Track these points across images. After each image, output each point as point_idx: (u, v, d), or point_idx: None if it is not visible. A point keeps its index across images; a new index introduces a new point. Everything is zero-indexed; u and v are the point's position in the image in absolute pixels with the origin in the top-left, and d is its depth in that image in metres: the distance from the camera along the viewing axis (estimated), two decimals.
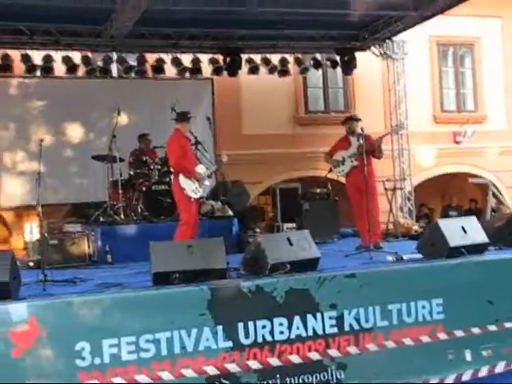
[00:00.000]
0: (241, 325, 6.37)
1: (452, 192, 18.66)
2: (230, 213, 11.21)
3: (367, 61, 15.56)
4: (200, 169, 9.11)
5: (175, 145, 9.05)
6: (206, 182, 9.25)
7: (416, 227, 11.90)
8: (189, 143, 9.42)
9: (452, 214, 16.73)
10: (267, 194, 14.95)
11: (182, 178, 8.84)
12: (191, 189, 8.83)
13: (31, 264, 9.16)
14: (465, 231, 7.84)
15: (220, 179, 11.95)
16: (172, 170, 9.37)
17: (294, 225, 11.89)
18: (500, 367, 7.30)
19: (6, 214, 14.65)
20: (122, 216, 10.60)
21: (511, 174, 18.28)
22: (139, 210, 10.62)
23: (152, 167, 10.83)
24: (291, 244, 7.03)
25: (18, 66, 12.98)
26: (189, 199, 8.86)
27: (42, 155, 13.04)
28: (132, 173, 11.03)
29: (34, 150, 12.33)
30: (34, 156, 12.28)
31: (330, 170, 10.23)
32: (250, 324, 6.40)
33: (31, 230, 10.78)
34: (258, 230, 11.33)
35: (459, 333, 7.23)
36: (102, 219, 10.67)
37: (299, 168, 16.10)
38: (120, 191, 10.73)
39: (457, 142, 18.18)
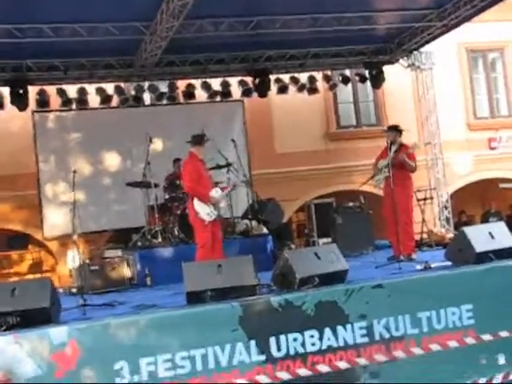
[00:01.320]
0: (273, 339, 6.57)
1: (491, 198, 18.57)
2: (265, 230, 11.44)
3: (396, 73, 15.73)
4: (215, 192, 9.22)
5: (189, 169, 9.24)
6: (221, 205, 9.43)
7: (450, 235, 11.94)
8: (204, 166, 9.52)
9: (492, 219, 16.63)
10: (303, 211, 15.12)
11: (196, 201, 9.04)
12: (205, 212, 9.00)
13: (74, 290, 9.46)
14: (492, 236, 7.93)
15: (254, 198, 12.17)
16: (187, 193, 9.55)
17: (329, 239, 12.05)
18: None
19: (51, 244, 15.14)
20: (160, 239, 10.88)
21: None
22: (176, 233, 10.91)
23: None
24: (319, 258, 7.21)
25: (55, 100, 13.47)
26: (203, 222, 9.04)
27: (82, 185, 13.66)
28: (167, 197, 11.33)
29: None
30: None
31: (372, 177, 10.26)
32: (282, 337, 6.60)
33: (73, 258, 11.11)
34: (292, 247, 11.51)
35: (491, 337, 7.30)
36: (140, 243, 10.98)
37: (333, 183, 16.27)
38: (156, 215, 11.03)
39: (492, 148, 18.16)
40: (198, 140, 9.42)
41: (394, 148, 9.83)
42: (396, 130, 10.21)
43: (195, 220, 9.18)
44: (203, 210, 9.04)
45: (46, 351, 5.86)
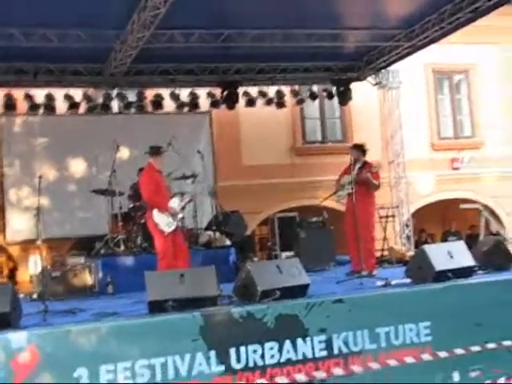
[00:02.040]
0: (233, 349, 6.60)
1: (452, 218, 18.85)
2: (228, 242, 11.49)
3: (364, 90, 15.94)
4: (173, 202, 9.30)
5: (147, 179, 9.32)
6: (180, 215, 9.42)
7: (410, 253, 12.12)
8: (161, 177, 9.57)
9: (451, 239, 16.84)
10: (267, 224, 15.19)
11: (155, 212, 9.09)
12: (165, 223, 9.06)
13: (35, 296, 9.40)
14: (451, 256, 8.07)
15: (218, 210, 12.21)
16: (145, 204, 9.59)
17: (291, 253, 12.13)
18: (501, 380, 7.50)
19: (13, 249, 14.98)
20: (123, 248, 10.88)
21: (510, 199, 18.50)
22: (139, 242, 10.91)
23: None
24: (281, 271, 7.28)
25: (21, 105, 13.40)
26: (163, 233, 9.08)
27: (47, 190, 13.57)
28: (131, 205, 11.33)
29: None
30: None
31: (334, 193, 10.38)
32: (242, 348, 6.64)
33: (35, 264, 11.05)
34: (255, 259, 11.58)
35: (447, 354, 7.42)
36: (103, 251, 10.96)
37: (298, 197, 16.37)
38: (120, 223, 11.04)
39: (455, 169, 18.45)
40: (155, 151, 9.50)
41: (357, 165, 9.97)
42: (360, 149, 10.37)
43: (155, 231, 9.23)
44: (162, 221, 9.09)
45: (4, 356, 5.83)
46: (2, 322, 6.14)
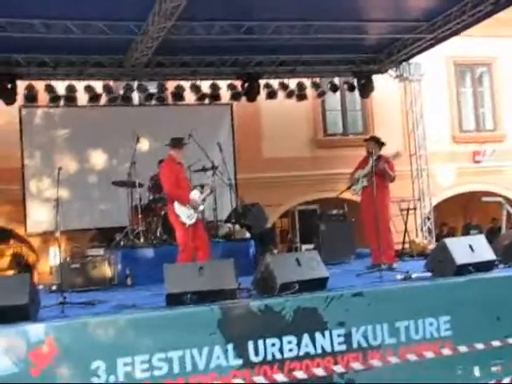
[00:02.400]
0: (251, 343, 6.58)
1: (473, 211, 18.72)
2: (248, 235, 11.47)
3: (385, 83, 15.82)
4: (194, 195, 9.25)
5: (168, 172, 9.26)
6: (201, 207, 9.37)
7: (431, 246, 12.02)
8: (182, 169, 9.54)
9: (473, 232, 16.73)
10: (287, 217, 15.16)
11: (176, 205, 9.05)
12: (186, 215, 9.01)
13: (54, 288, 9.44)
14: (472, 249, 7.99)
15: (238, 202, 12.19)
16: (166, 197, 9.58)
17: (311, 246, 12.09)
18: (506, 380, 7.41)
19: (34, 240, 15.10)
20: (142, 240, 10.90)
21: None
22: (158, 234, 10.92)
23: None
24: (300, 264, 7.24)
25: (43, 96, 13.44)
26: (184, 225, 9.05)
27: (67, 182, 13.63)
28: (151, 197, 11.35)
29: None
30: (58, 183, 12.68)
31: (349, 188, 10.42)
32: (260, 342, 6.61)
33: (55, 255, 11.10)
34: (275, 252, 11.55)
35: (467, 349, 7.35)
36: (122, 243, 10.98)
37: (319, 190, 16.31)
38: (140, 215, 11.04)
39: (476, 162, 18.31)
40: (176, 143, 9.44)
41: (372, 158, 9.94)
42: (376, 141, 10.38)
43: (176, 223, 9.19)
44: (183, 213, 9.06)
45: (22, 348, 5.84)
46: (20, 314, 6.14)
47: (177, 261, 8.90)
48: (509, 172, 18.38)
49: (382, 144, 10.30)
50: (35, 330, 5.96)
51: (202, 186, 9.94)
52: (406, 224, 12.27)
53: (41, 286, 10.11)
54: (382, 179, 9.79)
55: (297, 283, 7.01)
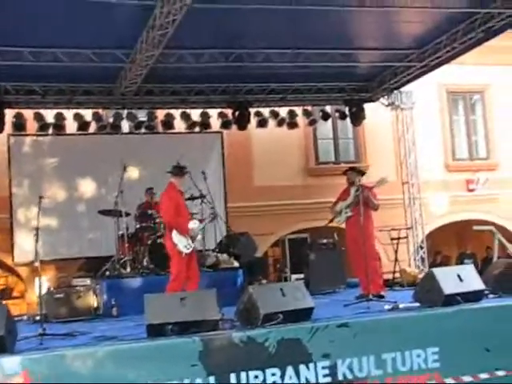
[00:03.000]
0: (233, 375, 6.45)
1: (467, 239, 18.60)
2: (236, 264, 11.34)
3: (377, 111, 15.77)
4: (193, 224, 9.20)
5: (168, 200, 9.20)
6: (199, 237, 9.34)
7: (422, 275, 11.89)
8: (182, 197, 9.49)
9: (467, 261, 16.60)
10: (278, 246, 15.04)
11: (174, 233, 8.96)
12: (183, 244, 8.94)
13: (37, 318, 9.27)
14: (461, 279, 7.89)
15: (227, 231, 12.08)
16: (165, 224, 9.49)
17: (301, 275, 11.96)
18: None
19: (22, 270, 14.91)
20: (129, 269, 10.77)
21: None
22: (145, 263, 10.79)
23: (157, 220, 11.03)
24: (284, 295, 7.13)
25: (31, 125, 13.38)
26: (180, 254, 8.95)
27: (56, 211, 13.53)
28: (138, 226, 11.23)
29: (47, 206, 12.54)
30: (47, 212, 12.51)
31: (331, 220, 10.41)
32: (243, 374, 6.48)
33: (40, 285, 10.94)
34: (264, 282, 11.41)
35: (456, 381, 7.21)
36: (108, 273, 10.85)
37: (310, 218, 16.14)
38: (126, 244, 10.93)
39: (470, 190, 18.21)
40: (178, 171, 9.39)
41: (353, 189, 9.89)
42: (357, 171, 10.51)
43: (172, 251, 9.10)
44: (181, 242, 8.99)
45: None
46: None
47: (166, 289, 8.79)
48: (503, 200, 18.28)
49: (363, 173, 10.38)
50: (10, 362, 5.87)
51: (201, 220, 9.84)
52: (396, 253, 12.17)
53: (25, 317, 10.00)
54: (366, 208, 9.74)
55: (281, 314, 6.90)
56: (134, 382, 6.10)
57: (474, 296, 7.89)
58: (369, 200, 9.83)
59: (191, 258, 9.19)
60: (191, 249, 9.04)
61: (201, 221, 9.60)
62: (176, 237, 8.97)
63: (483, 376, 7.29)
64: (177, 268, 9.02)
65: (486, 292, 8.29)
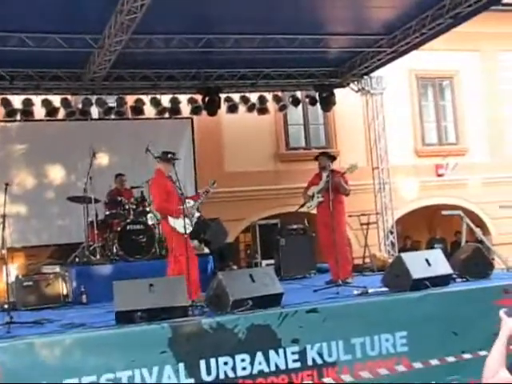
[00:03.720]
0: (203, 362, 6.46)
1: (437, 224, 18.77)
2: (206, 250, 11.33)
3: (347, 96, 15.81)
4: (188, 203, 9.16)
5: (156, 187, 9.20)
6: (196, 214, 9.33)
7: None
8: (171, 183, 9.38)
9: (437, 246, 16.76)
10: (249, 231, 15.04)
11: (170, 218, 8.96)
12: (181, 226, 8.91)
13: (6, 306, 9.19)
14: (429, 263, 7.96)
15: (198, 217, 12.03)
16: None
17: (272, 261, 11.98)
18: None
19: None
20: (98, 256, 10.70)
21: (495, 205, 18.39)
22: (115, 250, 10.73)
23: (127, 207, 10.97)
24: (253, 280, 7.14)
25: None
26: (180, 236, 8.94)
27: (25, 198, 13.37)
28: (108, 213, 11.16)
29: (16, 193, 12.51)
30: (15, 199, 12.47)
31: (303, 205, 10.43)
32: (212, 361, 6.50)
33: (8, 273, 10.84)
34: (234, 267, 11.42)
35: (422, 365, 7.29)
36: (77, 260, 10.79)
37: (281, 204, 16.18)
38: (96, 231, 10.86)
39: (439, 175, 18.34)
40: (166, 157, 9.32)
41: (325, 173, 9.92)
42: (328, 156, 10.53)
43: (172, 234, 9.06)
44: (179, 225, 8.94)
45: None
46: None
47: (167, 273, 8.79)
48: (471, 185, 18.45)
49: (334, 158, 10.38)
50: None
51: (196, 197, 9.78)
52: (366, 238, 12.24)
53: None
54: (337, 193, 9.77)
55: (250, 300, 6.91)
56: (102, 369, 6.07)
57: (442, 280, 7.96)
58: (340, 185, 9.87)
59: (188, 239, 9.19)
60: (190, 228, 9.04)
61: (194, 198, 9.49)
62: (172, 221, 8.98)
63: (450, 359, 7.38)
64: (178, 250, 8.96)
65: (454, 276, 8.38)
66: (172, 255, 9.06)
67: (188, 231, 8.97)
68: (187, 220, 8.97)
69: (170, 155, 9.33)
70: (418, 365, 7.24)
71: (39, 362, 5.93)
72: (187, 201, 9.21)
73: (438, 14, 11.65)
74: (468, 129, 18.77)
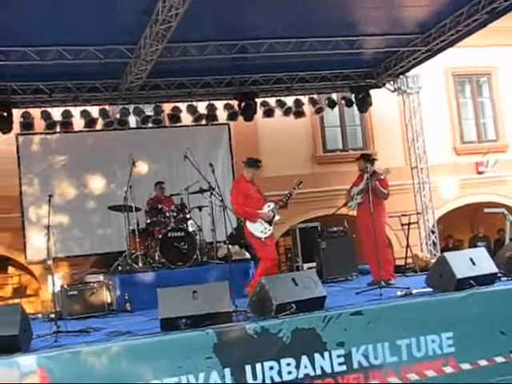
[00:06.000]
0: (248, 367, 6.47)
1: (479, 222, 18.54)
2: (247, 255, 11.35)
3: (384, 97, 15.72)
4: (267, 207, 9.42)
5: (234, 191, 9.55)
6: (276, 218, 9.52)
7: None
8: (253, 187, 9.63)
9: (480, 244, 16.55)
10: (289, 235, 15.00)
11: (248, 223, 9.23)
12: (259, 230, 9.17)
13: (52, 316, 9.31)
14: (473, 262, 7.86)
15: (237, 222, 12.08)
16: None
17: (313, 264, 11.95)
18: None
19: (35, 268, 14.97)
20: (141, 264, 10.79)
21: None
22: (157, 258, 10.80)
23: (168, 214, 11.03)
24: (296, 284, 7.13)
25: (39, 123, 13.39)
26: (260, 240, 9.16)
27: (66, 208, 13.57)
28: (149, 221, 11.23)
29: (58, 204, 12.71)
30: (57, 209, 12.63)
31: (345, 205, 10.44)
32: (258, 365, 6.50)
33: (53, 283, 10.99)
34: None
35: (470, 366, 7.20)
36: (120, 268, 10.88)
37: (320, 207, 16.15)
38: (137, 239, 10.95)
39: (480, 172, 18.13)
40: (252, 163, 9.68)
41: (366, 175, 9.89)
42: (367, 158, 10.49)
43: (251, 240, 9.43)
44: (256, 229, 9.23)
45: (14, 380, 5.73)
46: (11, 345, 6.05)
47: (256, 274, 9.16)
48: None
49: (374, 160, 10.34)
50: (26, 360, 5.89)
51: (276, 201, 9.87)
52: (407, 238, 12.11)
53: (39, 315, 10.04)
54: (376, 196, 9.71)
55: (294, 304, 6.90)
56: (148, 376, 6.11)
57: (487, 279, 7.85)
58: (376, 189, 9.83)
59: (273, 241, 9.51)
60: (269, 232, 9.27)
61: (276, 202, 9.67)
62: (250, 225, 9.24)
63: (499, 360, 7.27)
64: (263, 254, 9.30)
65: (499, 275, 8.26)
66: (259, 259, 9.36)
67: (266, 235, 9.22)
68: (265, 224, 9.27)
69: (253, 161, 9.73)
70: (465, 366, 7.15)
71: (86, 371, 5.99)
72: (267, 204, 9.36)
73: (473, 10, 11.54)
74: (508, 125, 18.53)
